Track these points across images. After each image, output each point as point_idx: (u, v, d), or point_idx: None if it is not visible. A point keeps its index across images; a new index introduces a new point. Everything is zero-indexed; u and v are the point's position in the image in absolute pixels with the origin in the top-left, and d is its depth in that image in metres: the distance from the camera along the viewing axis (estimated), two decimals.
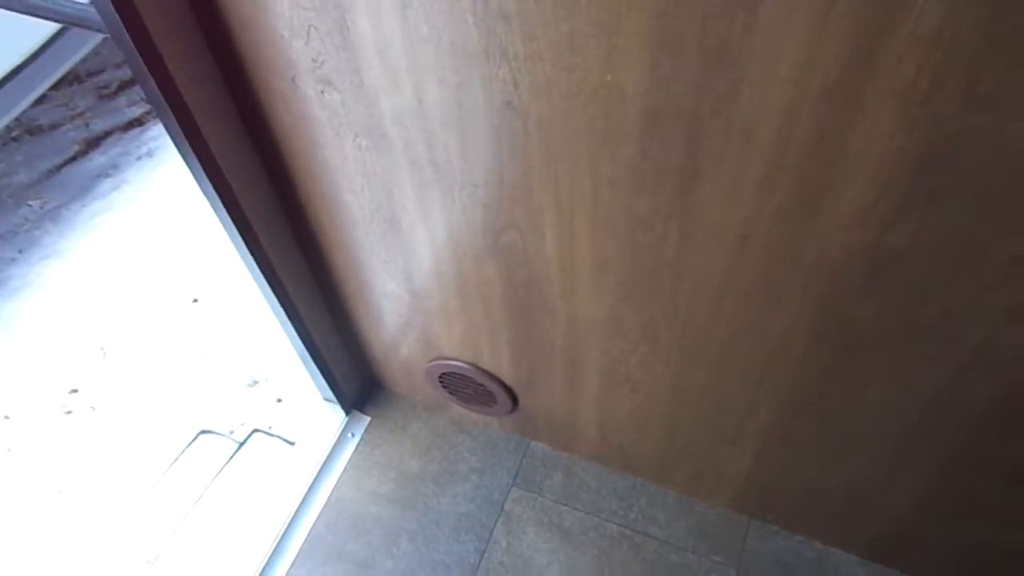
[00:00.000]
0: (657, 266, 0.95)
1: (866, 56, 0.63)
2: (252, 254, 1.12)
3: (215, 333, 1.96)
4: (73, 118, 2.56)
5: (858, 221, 0.77)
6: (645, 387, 1.21)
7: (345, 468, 1.57)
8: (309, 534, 1.49)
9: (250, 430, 1.76)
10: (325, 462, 1.57)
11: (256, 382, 1.86)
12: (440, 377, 1.46)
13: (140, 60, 0.82)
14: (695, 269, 0.93)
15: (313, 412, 1.69)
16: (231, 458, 1.72)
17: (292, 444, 1.67)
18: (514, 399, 1.43)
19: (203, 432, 1.79)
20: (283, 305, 1.23)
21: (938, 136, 0.66)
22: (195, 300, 2.07)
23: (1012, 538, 1.14)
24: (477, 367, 1.38)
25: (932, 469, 1.08)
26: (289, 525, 1.49)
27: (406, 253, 1.16)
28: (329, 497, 1.53)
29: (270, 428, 1.74)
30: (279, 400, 1.80)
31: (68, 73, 2.58)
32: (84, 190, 2.36)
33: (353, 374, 1.63)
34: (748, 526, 1.46)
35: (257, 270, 1.14)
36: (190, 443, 1.76)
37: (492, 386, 1.40)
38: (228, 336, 1.96)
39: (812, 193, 0.76)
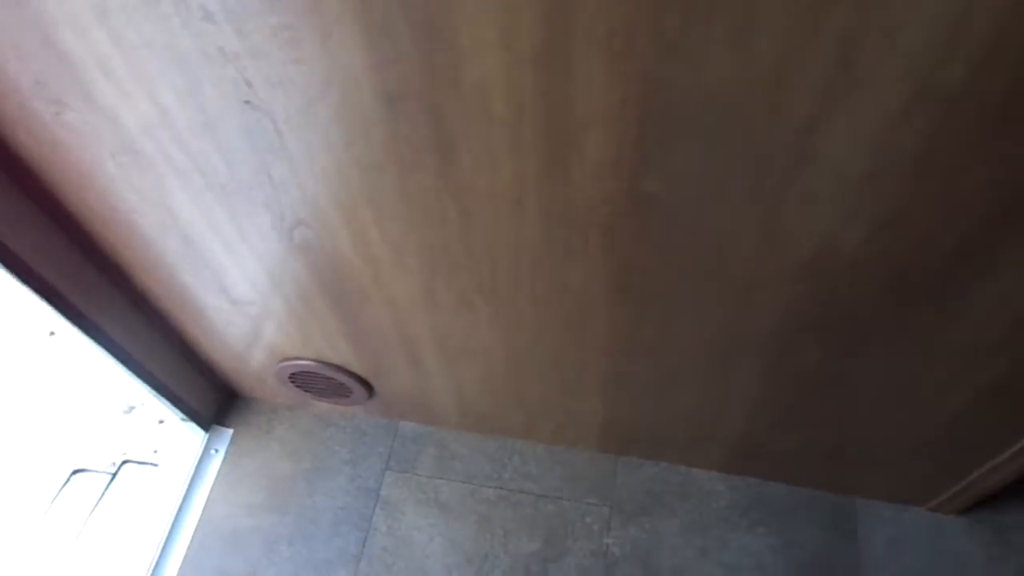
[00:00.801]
0: (447, 240, 0.95)
1: (561, 14, 0.63)
2: (38, 291, 1.04)
3: (80, 364, 1.84)
4: None
5: (609, 173, 0.79)
6: (482, 354, 1.22)
7: (213, 485, 1.52)
8: (185, 558, 1.44)
9: (123, 460, 1.68)
10: (191, 483, 1.52)
11: (133, 407, 1.77)
12: (291, 377, 1.42)
13: None
14: (483, 237, 0.93)
15: (174, 434, 1.62)
16: (104, 493, 1.64)
17: (157, 468, 1.61)
18: (368, 386, 1.42)
19: (77, 471, 1.70)
20: (89, 334, 1.16)
21: (648, 87, 0.67)
22: (52, 333, 1.94)
23: (830, 437, 1.23)
24: (323, 362, 1.36)
25: (750, 386, 1.15)
26: (162, 552, 1.44)
27: (210, 265, 1.11)
28: (200, 517, 1.48)
29: (155, 452, 1.67)
30: (161, 422, 1.72)
31: None
32: None
33: (205, 389, 1.57)
34: (616, 463, 1.52)
35: (47, 304, 1.07)
36: (64, 483, 1.67)
37: (342, 378, 1.38)
38: (94, 365, 1.84)
39: (559, 151, 0.77)
